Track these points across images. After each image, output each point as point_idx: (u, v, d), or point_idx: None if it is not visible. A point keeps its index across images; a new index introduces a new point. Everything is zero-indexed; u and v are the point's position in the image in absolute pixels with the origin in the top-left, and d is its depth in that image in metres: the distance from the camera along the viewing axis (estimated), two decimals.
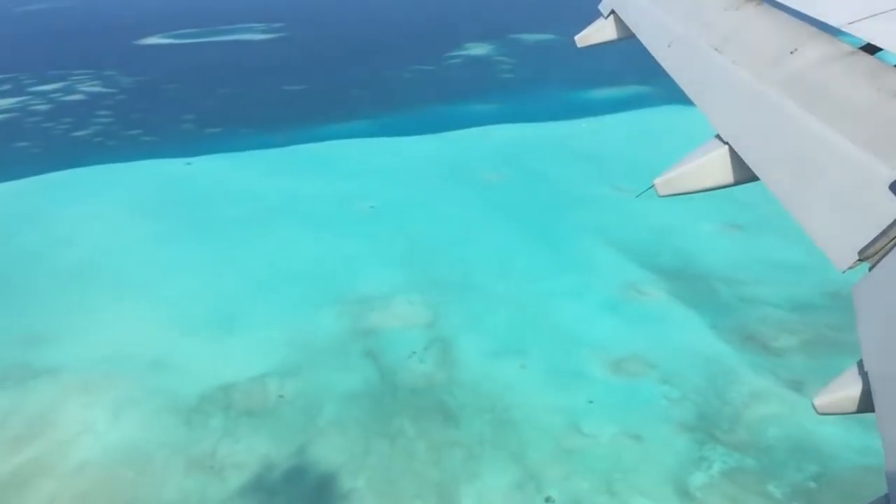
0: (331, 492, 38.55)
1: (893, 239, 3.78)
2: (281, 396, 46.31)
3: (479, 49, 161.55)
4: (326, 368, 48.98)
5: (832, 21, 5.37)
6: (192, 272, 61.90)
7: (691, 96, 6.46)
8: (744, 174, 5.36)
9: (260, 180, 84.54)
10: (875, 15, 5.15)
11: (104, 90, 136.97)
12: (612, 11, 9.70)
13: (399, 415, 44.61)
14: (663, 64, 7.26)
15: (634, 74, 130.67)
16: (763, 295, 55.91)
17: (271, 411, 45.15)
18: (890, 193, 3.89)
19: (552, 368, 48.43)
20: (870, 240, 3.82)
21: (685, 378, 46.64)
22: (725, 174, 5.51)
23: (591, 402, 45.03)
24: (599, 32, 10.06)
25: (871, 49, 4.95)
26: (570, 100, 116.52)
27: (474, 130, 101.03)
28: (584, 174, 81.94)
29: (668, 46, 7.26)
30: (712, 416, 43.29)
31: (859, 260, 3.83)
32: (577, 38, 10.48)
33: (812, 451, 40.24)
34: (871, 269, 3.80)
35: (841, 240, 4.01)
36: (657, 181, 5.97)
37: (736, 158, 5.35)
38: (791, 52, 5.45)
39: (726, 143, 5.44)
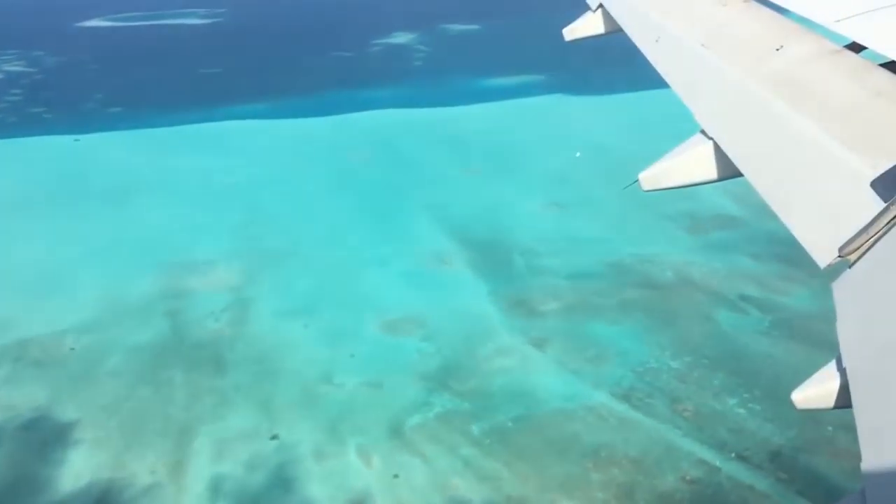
0: (76, 433, 42.92)
1: (873, 236, 3.69)
2: (72, 349, 50.52)
3: (403, 38, 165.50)
4: (124, 326, 53.24)
5: (818, 19, 5.39)
6: (34, 241, 65.90)
7: (677, 91, 6.38)
8: (728, 170, 5.31)
9: (138, 157, 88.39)
10: (860, 14, 5.15)
11: (25, 70, 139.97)
12: (601, 5, 9.59)
13: (174, 366, 48.95)
14: (650, 59, 7.15)
15: (541, 64, 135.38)
16: (552, 265, 60.58)
17: (59, 362, 49.39)
18: (871, 191, 3.85)
19: (331, 327, 52.91)
20: (850, 237, 3.77)
21: (445, 336, 51.25)
22: (709, 170, 5.49)
23: (352, 356, 49.49)
24: (587, 26, 9.89)
25: (856, 47, 4.96)
26: (467, 87, 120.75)
27: (364, 114, 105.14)
28: (443, 157, 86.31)
29: (656, 41, 7.22)
30: (453, 368, 47.92)
31: (839, 257, 3.78)
32: (564, 31, 10.36)
33: (524, 397, 44.96)
34: (850, 266, 3.74)
35: (822, 237, 3.96)
36: (641, 175, 5.86)
37: (720, 154, 5.34)
38: (777, 49, 5.46)
39: (711, 138, 5.46)
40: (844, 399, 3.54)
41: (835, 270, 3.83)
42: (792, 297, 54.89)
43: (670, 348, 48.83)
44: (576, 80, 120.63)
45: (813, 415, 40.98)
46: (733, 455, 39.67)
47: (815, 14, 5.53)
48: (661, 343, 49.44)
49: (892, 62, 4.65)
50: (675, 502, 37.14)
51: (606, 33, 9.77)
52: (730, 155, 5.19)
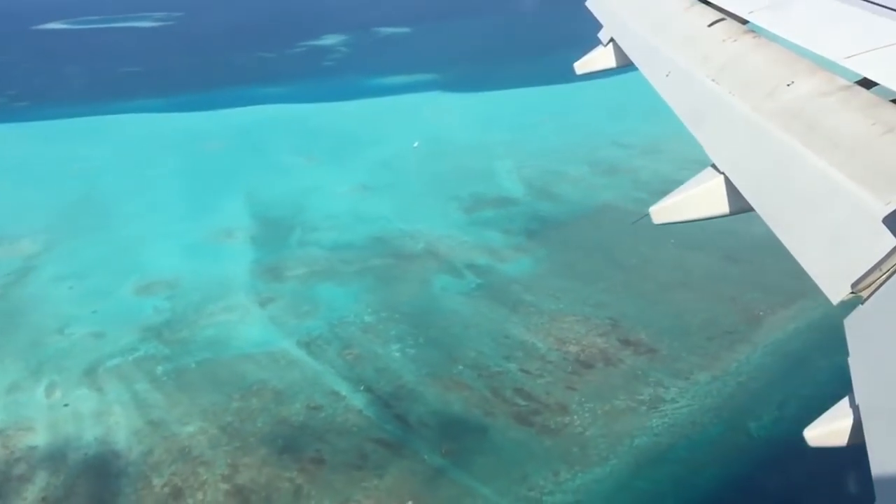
0: None
1: (886, 273, 3.66)
2: None
3: (330, 40, 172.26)
4: None
5: (829, 55, 5.37)
6: None
7: (688, 125, 6.33)
8: (739, 204, 5.24)
9: (20, 145, 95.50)
10: (871, 50, 5.15)
11: None
12: (612, 39, 9.68)
13: None
14: (661, 92, 7.12)
15: (438, 63, 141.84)
16: (322, 239, 66.59)
17: None
18: (883, 227, 3.81)
19: (90, 289, 59.21)
20: (862, 273, 3.72)
21: (186, 297, 57.38)
22: (721, 204, 5.42)
23: (94, 311, 55.70)
24: (598, 60, 9.96)
25: (867, 84, 4.97)
26: (358, 85, 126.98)
27: (244, 109, 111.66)
28: (291, 147, 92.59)
29: (667, 76, 7.20)
30: (174, 322, 54.04)
31: (852, 293, 3.72)
32: (576, 64, 10.42)
33: (218, 345, 50.99)
34: (863, 302, 3.70)
35: (834, 272, 3.92)
36: (653, 209, 5.77)
37: (731, 189, 5.27)
38: (788, 85, 5.37)
39: (722, 172, 5.41)
40: (857, 436, 3.46)
41: (847, 307, 3.73)
42: (511, 264, 60.63)
43: (374, 306, 54.66)
44: (460, 79, 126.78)
45: (441, 353, 46.98)
46: (363, 388, 45.43)
47: (826, 50, 5.49)
48: (369, 302, 55.28)
49: None
50: (288, 423, 42.99)
51: (617, 67, 9.77)
52: (741, 189, 5.18)
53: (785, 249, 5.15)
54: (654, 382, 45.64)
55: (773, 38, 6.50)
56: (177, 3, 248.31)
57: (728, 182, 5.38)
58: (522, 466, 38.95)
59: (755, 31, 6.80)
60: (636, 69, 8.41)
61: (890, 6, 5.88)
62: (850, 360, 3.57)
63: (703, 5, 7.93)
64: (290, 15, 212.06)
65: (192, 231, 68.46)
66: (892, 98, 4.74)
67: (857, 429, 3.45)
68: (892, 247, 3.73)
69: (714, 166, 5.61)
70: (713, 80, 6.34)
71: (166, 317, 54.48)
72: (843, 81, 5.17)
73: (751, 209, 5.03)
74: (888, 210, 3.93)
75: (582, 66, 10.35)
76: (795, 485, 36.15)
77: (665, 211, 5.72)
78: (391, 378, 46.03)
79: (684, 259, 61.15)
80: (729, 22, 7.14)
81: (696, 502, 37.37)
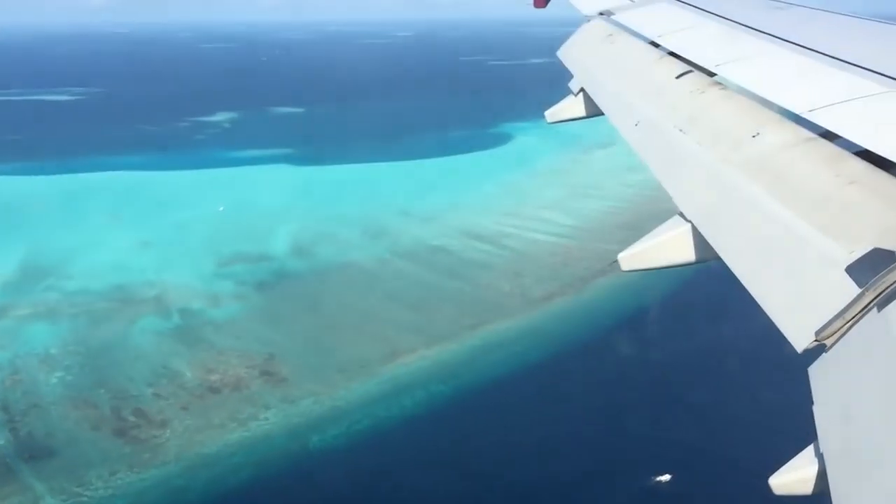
0: None
1: (849, 321, 3.68)
2: None
3: (221, 116, 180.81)
4: None
5: (794, 108, 5.53)
6: None
7: (656, 174, 6.25)
8: (705, 252, 5.25)
9: None
10: (835, 104, 5.34)
11: None
12: (582, 89, 9.73)
13: None
14: (630, 142, 7.11)
15: (300, 140, 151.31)
16: (67, 286, 72.63)
17: None
18: (846, 276, 3.86)
19: None
20: (826, 321, 3.72)
21: None
22: (687, 252, 5.43)
23: None
24: (569, 109, 10.03)
25: (830, 136, 5.08)
26: (211, 157, 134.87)
27: (96, 174, 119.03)
28: (106, 208, 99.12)
29: (636, 125, 7.23)
30: None
31: (816, 341, 3.71)
32: (546, 113, 10.44)
33: None
34: (827, 350, 3.71)
35: (798, 320, 3.88)
36: (621, 256, 5.73)
37: (698, 237, 5.28)
38: (753, 136, 5.47)
39: (689, 221, 5.39)
40: (822, 485, 3.40)
41: (811, 355, 3.70)
42: (221, 310, 67.40)
43: (67, 341, 60.75)
44: (313, 154, 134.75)
45: (94, 379, 52.53)
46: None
47: (791, 103, 5.59)
48: (65, 338, 61.40)
49: (866, 151, 4.76)
50: None
51: (587, 116, 9.80)
52: (707, 238, 5.11)
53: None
54: (261, 405, 51.44)
55: (740, 91, 6.52)
56: (102, 80, 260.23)
57: (695, 230, 5.41)
58: (88, 468, 44.28)
59: (722, 83, 6.86)
60: (605, 118, 8.52)
61: (852, 62, 6.19)
62: (815, 408, 3.56)
63: (671, 58, 8.08)
64: (208, 91, 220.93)
65: None
66: (854, 150, 4.92)
67: (822, 477, 3.43)
68: (855, 295, 3.77)
69: (681, 214, 5.63)
70: (681, 131, 6.43)
71: None
72: (807, 133, 5.26)
73: (717, 257, 5.08)
74: (851, 259, 3.99)
75: (552, 115, 10.34)
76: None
77: (632, 258, 5.79)
78: (32, 398, 51.41)
79: (376, 308, 67.68)
80: (697, 74, 7.27)
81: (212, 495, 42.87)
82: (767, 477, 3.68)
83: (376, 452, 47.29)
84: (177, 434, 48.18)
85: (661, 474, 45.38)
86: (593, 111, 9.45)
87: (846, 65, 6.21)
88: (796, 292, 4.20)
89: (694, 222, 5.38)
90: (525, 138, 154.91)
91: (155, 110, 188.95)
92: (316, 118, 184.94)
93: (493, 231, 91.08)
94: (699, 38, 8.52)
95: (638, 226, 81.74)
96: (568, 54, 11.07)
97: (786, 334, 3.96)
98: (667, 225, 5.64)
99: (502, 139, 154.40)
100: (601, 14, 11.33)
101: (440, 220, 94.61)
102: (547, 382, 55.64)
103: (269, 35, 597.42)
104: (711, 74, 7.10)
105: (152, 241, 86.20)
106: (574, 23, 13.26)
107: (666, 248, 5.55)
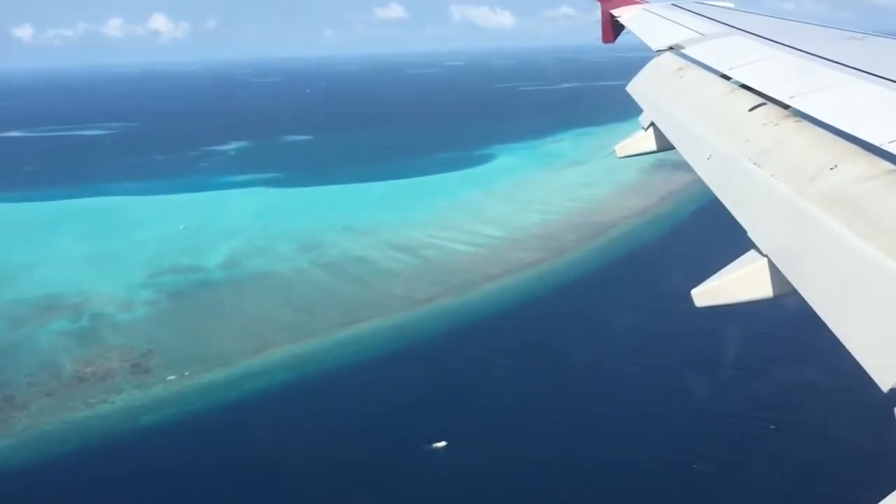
0: None
1: None
2: None
3: (233, 145, 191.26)
4: None
5: (872, 139, 5.29)
6: None
7: (730, 208, 6.10)
8: (783, 288, 5.08)
9: None
10: None
11: None
12: (652, 123, 9.50)
13: None
14: (702, 176, 6.99)
15: (289, 164, 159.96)
16: (4, 296, 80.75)
17: None
18: None
19: None
20: None
21: None
22: (764, 287, 5.23)
23: None
24: (639, 143, 9.79)
25: None
26: (209, 182, 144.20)
27: (89, 199, 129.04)
28: (78, 228, 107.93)
29: (708, 159, 7.07)
30: None
31: None
32: (616, 147, 10.17)
33: None
34: None
35: (883, 359, 3.74)
36: (695, 292, 5.48)
37: (775, 272, 5.09)
38: (831, 169, 5.24)
39: (765, 255, 5.20)
40: None
41: None
42: (128, 313, 74.45)
43: None
44: (300, 177, 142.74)
45: None
46: None
47: (870, 134, 5.37)
48: None
49: None
50: None
51: (658, 150, 9.52)
52: (785, 273, 4.95)
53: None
54: (115, 391, 58.00)
55: (815, 123, 6.15)
56: (143, 116, 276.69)
57: (772, 265, 5.13)
58: None
59: (796, 115, 6.56)
60: (677, 152, 8.42)
61: None
62: None
63: (743, 90, 7.89)
64: (234, 123, 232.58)
65: None
66: None
67: None
68: None
69: (757, 249, 5.30)
70: (755, 164, 6.12)
71: None
72: (887, 165, 4.91)
73: (795, 293, 4.81)
74: None
75: (622, 149, 10.26)
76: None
77: (707, 294, 5.43)
78: None
79: (268, 311, 73.69)
80: (770, 106, 7.00)
81: None
82: None
83: (202, 431, 52.98)
84: (30, 415, 54.82)
85: (437, 441, 50.07)
86: (663, 145, 9.30)
87: None
88: (879, 329, 4.05)
89: (770, 257, 5.25)
90: (506, 158, 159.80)
91: (176, 141, 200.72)
92: (318, 145, 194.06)
93: (420, 243, 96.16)
94: (771, 69, 8.34)
95: (558, 236, 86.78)
96: (637, 89, 10.94)
97: (869, 372, 3.83)
98: (742, 260, 5.48)
99: (483, 159, 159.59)
100: (671, 48, 11.19)
101: (376, 235, 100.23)
102: (388, 372, 60.44)
103: (324, 68, 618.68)
104: (785, 107, 6.91)
105: (103, 256, 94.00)
106: (628, 48, 13.47)
107: (742, 283, 5.42)
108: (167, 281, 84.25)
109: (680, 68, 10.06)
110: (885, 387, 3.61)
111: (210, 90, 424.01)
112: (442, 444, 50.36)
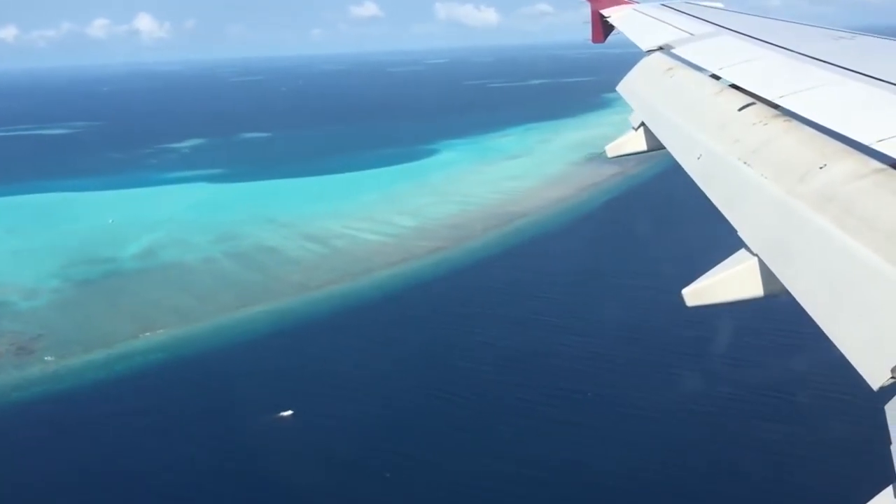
0: None
1: None
2: None
3: (189, 143, 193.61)
4: None
5: (862, 138, 5.31)
6: None
7: (720, 207, 6.11)
8: (773, 287, 5.10)
9: None
10: None
11: None
12: (643, 124, 9.55)
13: None
14: (692, 175, 6.99)
15: (237, 160, 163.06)
16: None
17: None
18: None
19: None
20: None
21: None
22: (755, 286, 5.26)
23: None
24: (630, 143, 9.80)
25: None
26: (153, 178, 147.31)
27: (27, 196, 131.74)
28: (5, 223, 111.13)
29: (698, 159, 7.07)
30: None
31: (892, 378, 3.57)
32: (607, 147, 10.20)
33: None
34: None
35: (874, 357, 3.76)
36: (685, 291, 5.50)
37: (766, 271, 5.13)
38: (820, 168, 5.26)
39: (755, 255, 5.23)
40: None
41: (888, 392, 3.57)
42: (32, 301, 77.72)
43: None
44: (241, 173, 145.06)
45: None
46: None
47: (859, 133, 5.40)
48: None
49: None
50: None
51: (648, 150, 9.50)
52: (775, 272, 4.97)
53: None
54: None
55: (804, 122, 6.20)
56: (111, 115, 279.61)
57: (762, 265, 5.17)
58: None
59: (786, 114, 6.59)
60: (667, 152, 8.26)
61: None
62: (894, 448, 3.36)
63: (733, 90, 7.81)
64: (196, 121, 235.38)
65: None
66: None
67: None
68: None
69: (747, 248, 5.36)
70: (745, 163, 6.16)
71: None
72: (876, 164, 4.94)
73: (785, 292, 4.84)
74: None
75: (613, 149, 10.24)
76: None
77: (697, 293, 5.47)
78: None
79: (162, 297, 76.99)
80: (759, 106, 6.98)
81: None
82: None
83: (70, 409, 56.25)
84: None
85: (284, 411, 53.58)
86: (654, 145, 9.30)
87: None
88: (870, 329, 4.01)
89: (761, 256, 5.25)
90: (449, 153, 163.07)
91: (134, 139, 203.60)
92: (273, 142, 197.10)
93: (334, 233, 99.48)
94: (761, 69, 8.34)
95: (467, 226, 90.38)
96: (627, 88, 10.95)
97: (860, 371, 3.80)
98: (733, 259, 5.49)
99: (426, 154, 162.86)
100: (660, 48, 11.18)
101: (295, 226, 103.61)
102: (258, 353, 63.80)
103: (307, 67, 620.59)
104: (775, 106, 6.94)
105: (24, 249, 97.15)
106: (610, 45, 13.51)
107: (732, 282, 5.43)
108: (78, 271, 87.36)
109: (670, 68, 10.08)
110: (875, 385, 3.64)
111: (186, 90, 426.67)
112: (289, 412, 53.85)
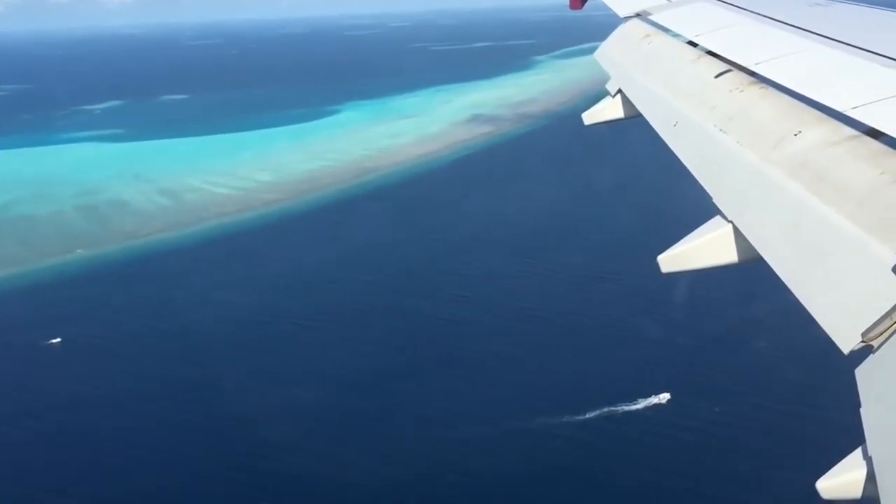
0: None
1: None
2: None
3: (105, 104, 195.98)
4: None
5: (836, 105, 5.34)
6: None
7: (696, 174, 6.13)
8: (747, 253, 5.12)
9: None
10: (878, 101, 5.18)
11: None
12: (620, 91, 9.38)
13: None
14: (669, 142, 6.99)
15: (140, 122, 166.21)
16: None
17: None
18: (893, 276, 3.73)
19: None
20: (873, 322, 3.64)
21: None
22: (729, 253, 5.27)
23: None
24: (606, 111, 9.68)
25: (874, 133, 4.91)
26: (53, 138, 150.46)
27: None
28: None
29: (674, 126, 7.09)
30: None
31: (863, 342, 3.61)
32: (584, 115, 9.98)
33: None
34: (874, 351, 3.61)
35: (844, 322, 3.80)
36: (660, 258, 5.49)
37: (740, 237, 5.15)
38: (795, 135, 5.30)
39: (730, 221, 5.25)
40: (871, 488, 3.34)
41: (858, 356, 3.60)
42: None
43: None
44: (131, 134, 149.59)
45: None
46: None
47: (833, 101, 5.42)
48: None
49: None
50: None
51: (626, 118, 9.36)
52: (749, 239, 4.98)
53: None
54: None
55: (780, 89, 6.24)
56: (43, 78, 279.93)
57: (736, 231, 5.19)
58: None
59: (762, 82, 6.62)
60: (644, 119, 8.21)
61: (895, 57, 5.99)
62: (863, 411, 3.43)
63: (710, 57, 7.83)
64: (123, 83, 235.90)
65: None
66: None
67: (872, 480, 3.35)
68: None
69: (722, 215, 5.37)
70: (721, 130, 6.19)
71: None
72: (850, 131, 5.00)
73: (759, 258, 4.87)
74: None
75: (589, 116, 9.90)
76: None
77: (672, 259, 5.47)
78: None
79: None
80: (736, 73, 7.01)
81: None
82: (815, 481, 3.62)
83: None
84: None
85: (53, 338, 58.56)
86: (631, 112, 9.20)
87: (889, 61, 6.03)
88: (841, 293, 4.08)
89: (735, 223, 5.27)
90: (350, 113, 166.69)
91: (53, 101, 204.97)
92: (187, 104, 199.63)
93: (190, 188, 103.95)
94: (738, 36, 8.33)
95: (317, 180, 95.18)
96: (604, 55, 10.86)
97: (831, 335, 3.87)
98: (707, 226, 5.48)
99: (327, 114, 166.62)
100: (638, 15, 11.17)
101: (157, 182, 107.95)
102: (61, 292, 68.69)
103: (269, 31, 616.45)
104: (751, 73, 6.92)
105: None
106: (588, 8, 13.75)
107: (707, 249, 5.41)
108: None
109: (647, 35, 9.95)
110: (845, 349, 3.71)
111: (134, 53, 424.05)
112: (57, 339, 59.53)
